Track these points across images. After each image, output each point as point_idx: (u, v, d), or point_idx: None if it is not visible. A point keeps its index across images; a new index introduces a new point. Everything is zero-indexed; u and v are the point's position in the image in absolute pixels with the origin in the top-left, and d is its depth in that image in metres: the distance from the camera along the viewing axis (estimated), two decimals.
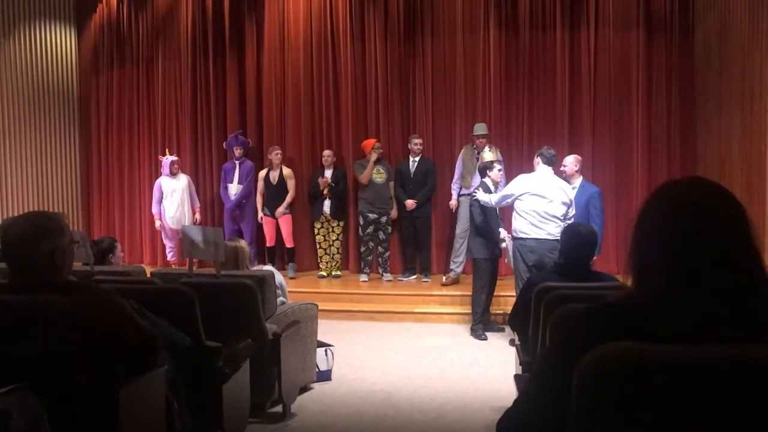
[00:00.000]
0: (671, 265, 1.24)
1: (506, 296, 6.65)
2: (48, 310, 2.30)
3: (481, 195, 6.12)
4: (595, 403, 1.20)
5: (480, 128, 7.55)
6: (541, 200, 5.69)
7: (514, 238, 5.89)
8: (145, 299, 3.05)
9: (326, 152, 8.27)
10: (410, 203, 7.82)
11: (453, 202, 7.76)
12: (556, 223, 5.63)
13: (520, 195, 5.76)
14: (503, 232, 6.25)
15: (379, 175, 7.97)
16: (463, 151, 7.77)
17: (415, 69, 8.47)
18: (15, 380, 2.16)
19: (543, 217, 5.64)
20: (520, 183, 5.85)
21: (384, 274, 8.11)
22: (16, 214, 7.07)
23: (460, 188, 7.68)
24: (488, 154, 6.73)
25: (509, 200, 5.87)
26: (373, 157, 7.90)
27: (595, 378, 1.19)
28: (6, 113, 8.94)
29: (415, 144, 7.92)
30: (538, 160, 5.93)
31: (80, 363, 2.33)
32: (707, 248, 1.22)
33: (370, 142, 8.10)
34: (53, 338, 2.30)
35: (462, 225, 7.53)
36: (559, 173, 6.10)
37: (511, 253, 6.31)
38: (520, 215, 5.76)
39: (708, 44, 7.46)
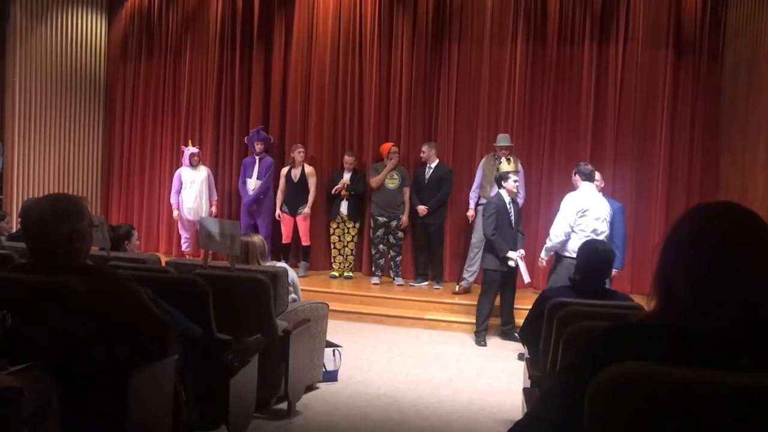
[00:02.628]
0: (698, 289, 1.22)
1: (525, 309, 6.58)
2: (64, 292, 2.32)
3: (548, 246, 6.00)
4: (606, 422, 1.19)
5: (503, 139, 7.53)
6: (594, 219, 5.76)
7: (562, 257, 5.83)
8: (160, 288, 3.07)
9: (347, 158, 8.28)
10: (422, 209, 7.81)
11: (470, 213, 7.73)
12: None
13: (578, 213, 5.75)
14: (513, 254, 6.23)
15: (391, 181, 7.99)
16: (484, 160, 7.76)
17: (440, 75, 8.46)
18: (29, 359, 2.19)
19: (597, 235, 5.63)
20: (574, 204, 5.82)
21: (395, 278, 8.11)
22: (38, 196, 7.15)
23: (479, 197, 7.66)
24: (505, 165, 6.71)
25: (571, 224, 5.78)
26: (390, 163, 7.94)
27: (607, 397, 1.18)
28: (34, 96, 9.04)
29: (422, 152, 7.94)
30: (577, 178, 5.97)
31: (93, 346, 2.35)
32: (736, 274, 1.20)
33: (387, 146, 8.13)
34: (68, 320, 2.33)
35: (478, 234, 7.52)
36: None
37: (525, 271, 6.28)
38: (575, 233, 5.75)
39: (737, 68, 7.39)
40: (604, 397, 1.18)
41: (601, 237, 5.70)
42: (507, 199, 6.40)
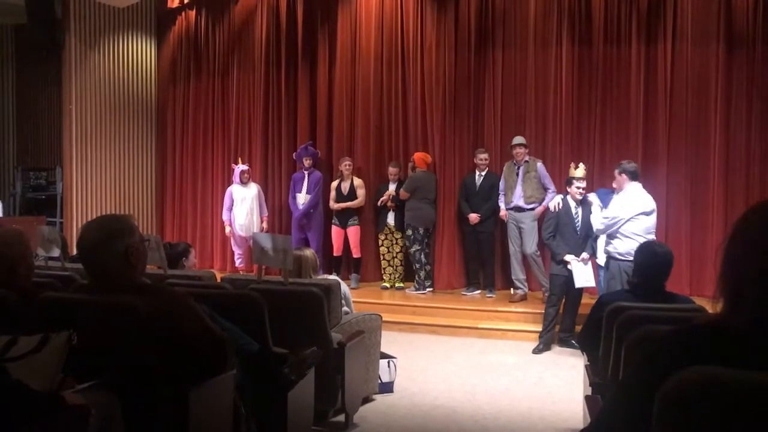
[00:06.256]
0: (765, 291, 1.17)
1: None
2: (125, 311, 2.37)
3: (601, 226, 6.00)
4: (676, 429, 1.15)
5: (517, 139, 7.52)
6: (647, 218, 5.72)
7: (616, 259, 5.72)
8: (216, 304, 3.12)
9: (392, 170, 8.33)
10: (473, 217, 7.75)
11: (503, 213, 7.60)
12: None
13: (631, 217, 5.69)
14: (570, 257, 6.14)
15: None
16: (505, 167, 7.69)
17: (485, 82, 8.40)
18: (94, 377, 2.24)
19: (651, 234, 5.65)
20: (630, 205, 5.73)
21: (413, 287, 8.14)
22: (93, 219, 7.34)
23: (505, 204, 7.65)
24: (573, 170, 6.56)
25: (618, 225, 5.73)
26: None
27: (677, 403, 1.14)
28: (89, 122, 9.36)
29: (480, 159, 7.86)
30: (624, 177, 5.86)
31: (154, 363, 2.39)
32: None
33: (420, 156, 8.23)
34: (129, 338, 2.37)
35: (514, 243, 7.46)
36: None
37: (579, 275, 6.15)
38: (627, 236, 5.65)
39: None
40: (674, 403, 1.14)
41: (652, 234, 5.72)
42: (572, 203, 6.31)
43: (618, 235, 5.73)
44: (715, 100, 7.63)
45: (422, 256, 8.01)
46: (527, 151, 7.53)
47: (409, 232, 7.98)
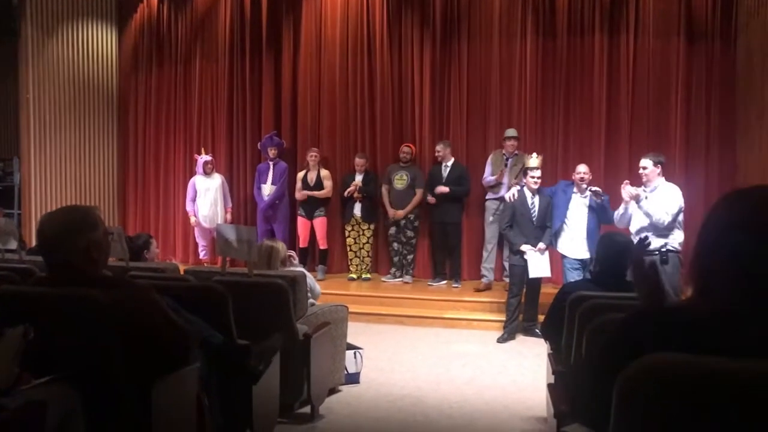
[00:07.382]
0: (736, 279, 1.19)
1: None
2: (86, 305, 2.32)
3: (656, 219, 5.52)
4: (635, 414, 1.17)
5: (510, 131, 7.58)
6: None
7: (676, 252, 5.49)
8: (179, 296, 3.07)
9: (358, 161, 8.26)
10: (441, 189, 7.66)
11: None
12: None
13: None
14: (525, 247, 6.19)
15: (400, 181, 8.06)
16: (492, 156, 7.72)
17: (451, 74, 8.43)
18: (53, 372, 2.20)
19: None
20: (680, 196, 5.56)
21: (404, 276, 8.16)
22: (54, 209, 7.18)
23: (486, 193, 7.69)
24: (528, 160, 6.58)
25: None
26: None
27: (637, 389, 1.16)
28: (48, 110, 9.12)
29: (436, 150, 7.91)
30: (659, 169, 5.62)
31: (115, 357, 2.35)
32: None
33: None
34: (90, 332, 2.33)
35: (491, 230, 7.53)
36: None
37: (533, 265, 6.17)
38: (678, 228, 5.53)
39: (750, 53, 7.29)
40: (633, 390, 1.16)
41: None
42: (528, 194, 6.35)
43: (676, 228, 5.52)
44: (676, 91, 7.80)
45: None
46: (517, 144, 7.57)
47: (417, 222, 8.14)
